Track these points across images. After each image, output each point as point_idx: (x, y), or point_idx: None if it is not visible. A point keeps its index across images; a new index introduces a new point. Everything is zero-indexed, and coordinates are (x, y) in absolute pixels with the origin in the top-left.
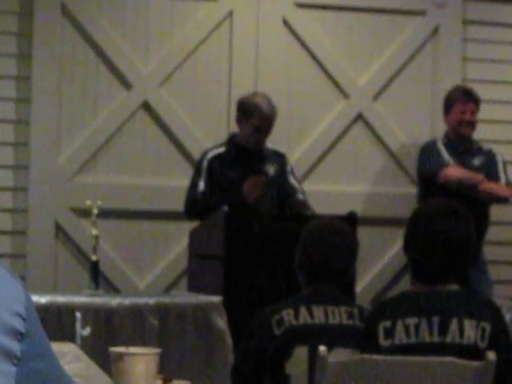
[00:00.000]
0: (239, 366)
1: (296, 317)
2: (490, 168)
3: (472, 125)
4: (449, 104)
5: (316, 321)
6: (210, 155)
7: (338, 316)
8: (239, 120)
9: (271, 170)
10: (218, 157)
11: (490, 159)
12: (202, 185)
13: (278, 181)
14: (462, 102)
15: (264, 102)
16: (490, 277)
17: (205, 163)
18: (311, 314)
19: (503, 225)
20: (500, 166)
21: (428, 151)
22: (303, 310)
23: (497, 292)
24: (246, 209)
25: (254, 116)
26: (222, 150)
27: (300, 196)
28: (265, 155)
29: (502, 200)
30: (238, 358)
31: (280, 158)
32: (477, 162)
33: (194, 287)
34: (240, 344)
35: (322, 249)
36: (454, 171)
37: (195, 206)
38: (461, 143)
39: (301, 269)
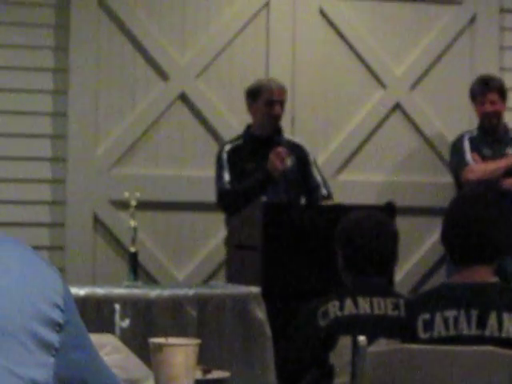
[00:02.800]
0: (288, 357)
1: (341, 308)
2: None
3: (495, 115)
4: (472, 97)
5: (361, 311)
6: (227, 148)
7: (383, 307)
8: (250, 106)
9: (289, 160)
10: (235, 149)
11: None
12: (227, 176)
13: (298, 172)
14: (480, 93)
15: (269, 80)
16: None
17: (224, 155)
18: (356, 305)
19: None
20: None
21: (453, 149)
22: (349, 302)
23: None
24: (273, 181)
25: (263, 93)
26: (238, 142)
27: (323, 191)
28: (283, 145)
29: None
30: (285, 349)
31: (298, 149)
32: (511, 151)
33: (232, 278)
34: (287, 336)
35: (367, 241)
36: (471, 175)
37: (226, 197)
38: (493, 132)
39: (346, 262)
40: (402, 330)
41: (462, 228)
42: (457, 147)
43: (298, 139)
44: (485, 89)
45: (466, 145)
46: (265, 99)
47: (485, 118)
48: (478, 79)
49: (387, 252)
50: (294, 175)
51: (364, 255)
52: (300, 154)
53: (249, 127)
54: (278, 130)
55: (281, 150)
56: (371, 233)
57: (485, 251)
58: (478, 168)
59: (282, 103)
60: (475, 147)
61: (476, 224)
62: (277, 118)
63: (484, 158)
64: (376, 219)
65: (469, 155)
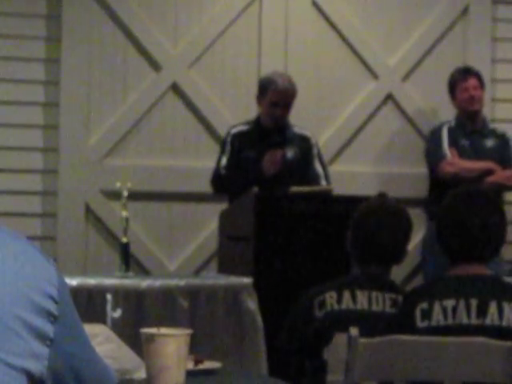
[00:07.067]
0: (284, 346)
1: (339, 301)
2: (502, 152)
3: (478, 100)
4: (452, 87)
5: (358, 306)
6: (233, 131)
7: (381, 303)
8: (258, 99)
9: (291, 152)
10: (241, 134)
11: (504, 143)
12: (224, 160)
13: (299, 164)
14: (461, 80)
15: (280, 78)
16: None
17: (228, 138)
18: (354, 299)
19: None
20: None
21: (431, 138)
22: (347, 294)
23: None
24: (264, 182)
25: (270, 91)
26: (246, 127)
27: (323, 183)
28: (287, 137)
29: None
30: (282, 337)
31: (305, 142)
32: (489, 143)
33: (224, 268)
34: (284, 323)
35: (370, 230)
36: (450, 168)
37: (218, 181)
38: (472, 123)
39: (351, 250)
40: (400, 321)
41: (463, 228)
42: (435, 136)
43: (306, 131)
44: (466, 74)
45: (445, 135)
46: (269, 99)
47: (468, 103)
48: (458, 69)
49: (394, 245)
50: (297, 166)
51: (365, 246)
52: (305, 146)
53: (259, 116)
54: (282, 128)
55: (277, 152)
56: (375, 224)
57: (486, 251)
58: (456, 162)
59: (286, 106)
60: (453, 138)
61: (479, 225)
62: (278, 120)
63: (461, 149)
64: (385, 210)
65: (446, 147)
